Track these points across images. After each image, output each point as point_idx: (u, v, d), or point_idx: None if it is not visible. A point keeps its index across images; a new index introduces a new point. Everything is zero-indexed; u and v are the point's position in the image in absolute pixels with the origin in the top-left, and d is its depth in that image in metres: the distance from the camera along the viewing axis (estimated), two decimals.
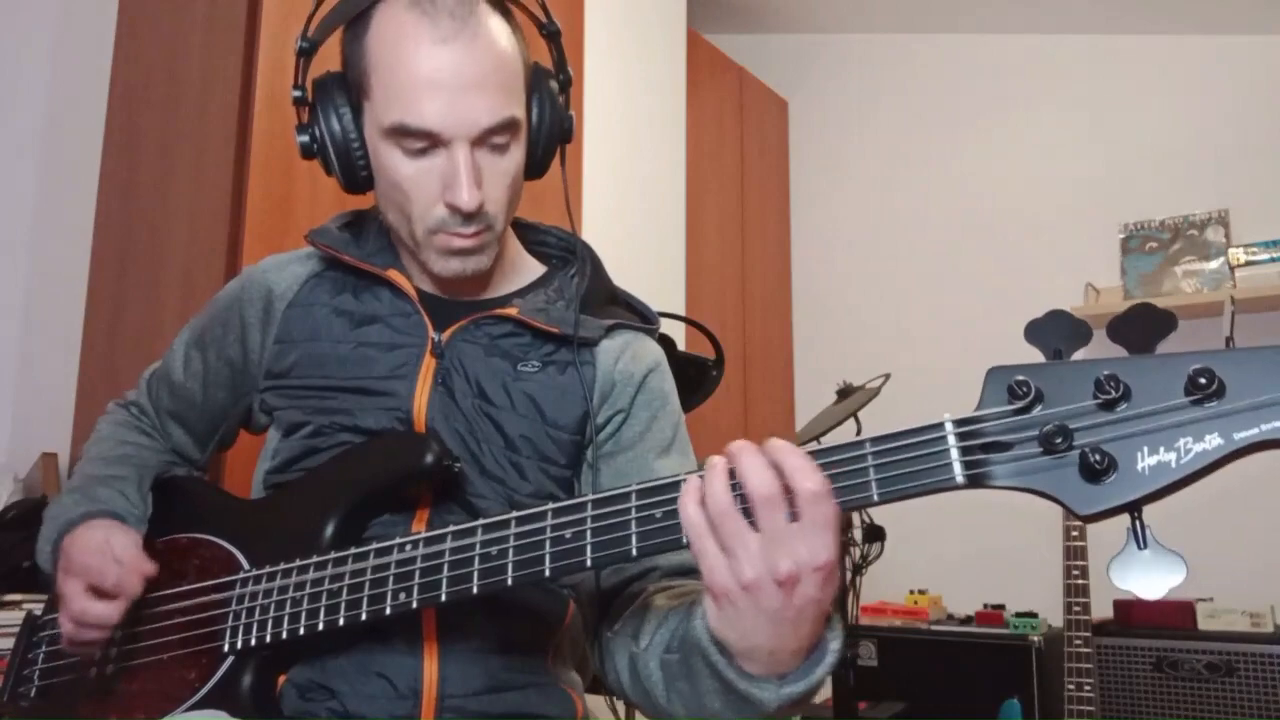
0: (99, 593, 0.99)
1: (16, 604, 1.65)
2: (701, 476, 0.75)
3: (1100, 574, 2.30)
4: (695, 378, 1.23)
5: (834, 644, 0.78)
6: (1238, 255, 2.91)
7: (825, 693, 2.39)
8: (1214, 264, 2.98)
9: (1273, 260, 2.86)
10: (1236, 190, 3.03)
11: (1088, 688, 2.19)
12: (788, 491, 0.71)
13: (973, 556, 3.04)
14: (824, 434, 2.50)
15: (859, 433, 2.53)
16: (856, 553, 2.23)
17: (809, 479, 0.70)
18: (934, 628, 2.76)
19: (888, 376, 2.50)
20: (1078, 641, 2.20)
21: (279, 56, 1.88)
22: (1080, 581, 2.23)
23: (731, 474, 0.73)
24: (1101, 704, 2.38)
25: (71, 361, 2.11)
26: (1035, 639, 2.55)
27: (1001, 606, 2.77)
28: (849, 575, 2.19)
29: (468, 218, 0.97)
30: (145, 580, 1.00)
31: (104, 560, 0.98)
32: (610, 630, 0.98)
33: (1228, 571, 2.46)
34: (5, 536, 1.79)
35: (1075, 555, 2.24)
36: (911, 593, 2.93)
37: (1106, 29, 3.30)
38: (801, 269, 3.82)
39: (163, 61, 2.08)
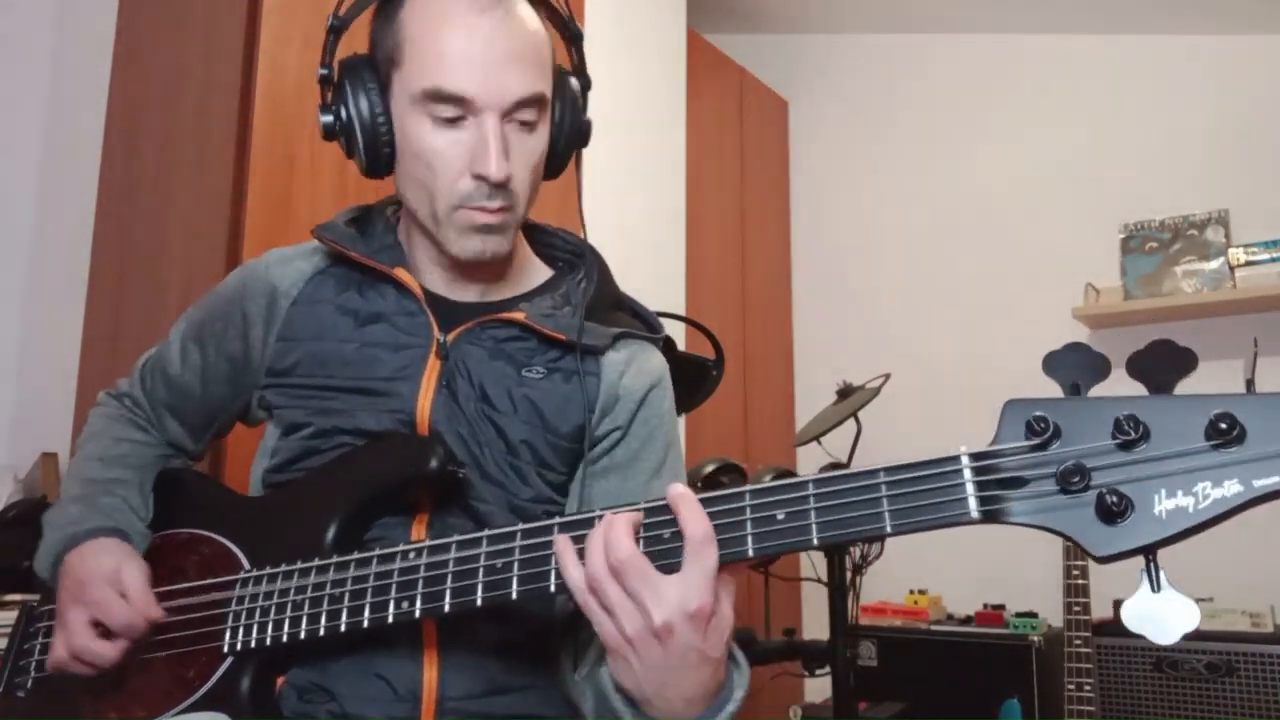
0: (103, 629, 0.97)
1: (16, 604, 1.65)
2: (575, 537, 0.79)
3: (1100, 574, 2.29)
4: (695, 378, 1.23)
5: (738, 692, 0.81)
6: (1238, 255, 2.91)
7: (825, 693, 2.39)
8: (1214, 264, 2.98)
9: (1273, 260, 2.86)
10: (1236, 190, 3.02)
11: (1088, 688, 2.19)
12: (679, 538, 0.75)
13: (973, 556, 3.03)
14: (824, 434, 2.50)
15: (859, 433, 2.53)
16: (856, 553, 2.23)
17: (695, 526, 0.75)
18: (934, 628, 2.76)
19: (888, 376, 2.50)
20: (1078, 641, 2.20)
21: (279, 56, 1.88)
22: (1080, 581, 2.23)
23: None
24: (1101, 704, 2.38)
25: (71, 361, 2.11)
26: (1035, 639, 2.55)
27: (1001, 606, 2.77)
28: (849, 575, 2.19)
29: (494, 190, 0.97)
30: (154, 624, 0.98)
31: (113, 596, 0.97)
32: (565, 650, 1.00)
33: (1228, 571, 2.46)
34: (5, 536, 1.79)
35: (1075, 555, 2.24)
36: (911, 593, 2.92)
37: (1107, 29, 3.30)
38: (801, 269, 3.82)
39: (163, 61, 2.08)
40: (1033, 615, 2.64)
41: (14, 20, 2.21)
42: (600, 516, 0.81)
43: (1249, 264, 2.89)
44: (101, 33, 2.22)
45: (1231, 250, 2.93)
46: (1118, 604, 2.79)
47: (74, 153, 2.21)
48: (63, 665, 0.99)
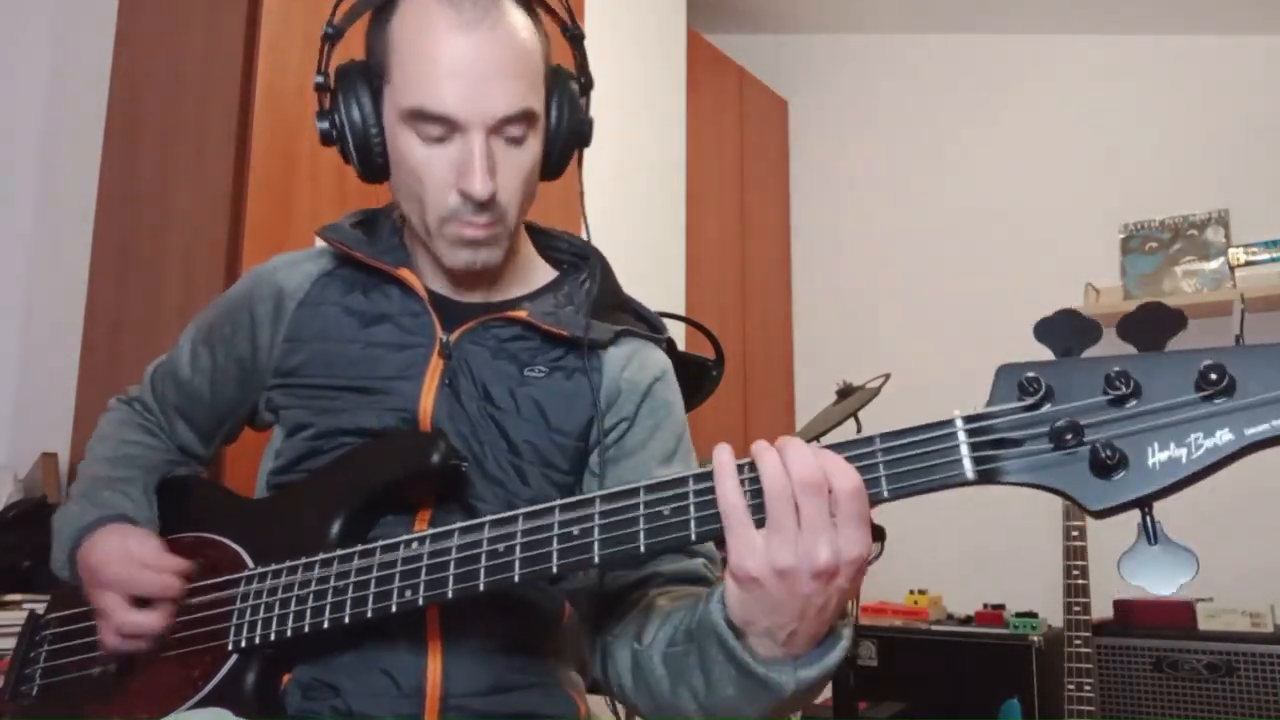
0: (138, 601, 0.97)
1: (16, 604, 1.65)
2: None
3: (1100, 574, 2.30)
4: (695, 378, 1.23)
5: (845, 630, 0.78)
6: (1238, 255, 2.91)
7: (825, 693, 2.39)
8: (1214, 264, 2.98)
9: (1273, 260, 2.86)
10: (1236, 190, 3.03)
11: (1088, 688, 2.19)
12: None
13: (973, 556, 3.04)
14: (824, 434, 2.50)
15: (859, 433, 2.53)
16: None
17: (847, 477, 0.71)
18: (934, 628, 2.76)
19: (888, 376, 2.51)
20: (1078, 641, 2.20)
21: (279, 57, 1.88)
22: (1080, 581, 2.23)
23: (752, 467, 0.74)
24: (1101, 704, 2.38)
25: (71, 361, 2.11)
26: (1035, 639, 2.55)
27: (1001, 606, 2.77)
28: None
29: (480, 207, 0.97)
30: (184, 576, 0.99)
31: (133, 568, 0.97)
32: (610, 635, 0.97)
33: (1228, 571, 2.46)
34: (5, 536, 1.79)
35: (1075, 555, 2.24)
36: (911, 593, 2.93)
37: (1107, 29, 3.30)
38: (801, 269, 3.82)
39: (163, 61, 2.08)
40: (1033, 615, 2.64)
41: (14, 21, 2.22)
42: (600, 497, 0.81)
43: (1249, 264, 2.89)
44: (101, 32, 2.22)
45: (1231, 250, 2.94)
46: (1118, 604, 2.80)
47: (74, 153, 2.21)
48: (116, 648, 0.99)
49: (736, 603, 0.76)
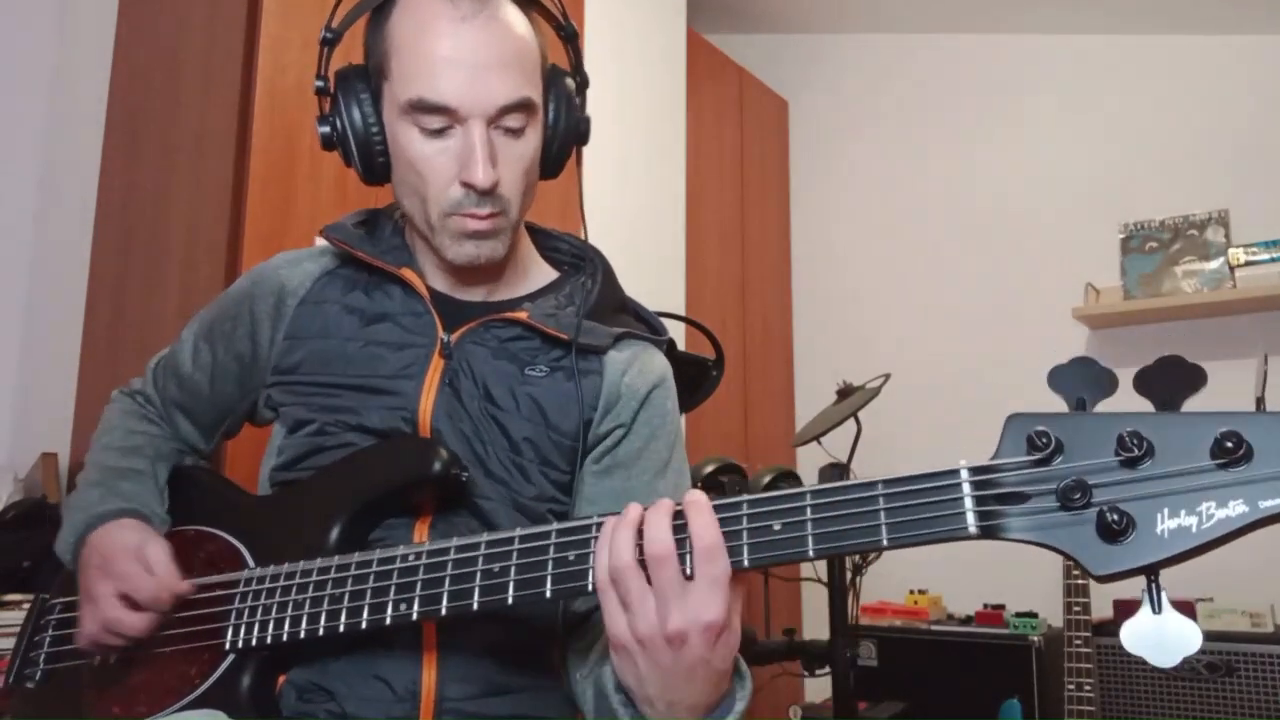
0: (130, 602, 0.98)
1: (16, 604, 1.65)
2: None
3: None
4: (695, 378, 1.23)
5: (739, 704, 0.80)
6: (1238, 255, 2.91)
7: (825, 693, 2.39)
8: (1214, 264, 2.98)
9: (1273, 260, 2.86)
10: (1236, 190, 3.02)
11: (1088, 688, 2.19)
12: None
13: (973, 556, 3.03)
14: (824, 434, 2.50)
15: (859, 433, 2.53)
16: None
17: (698, 538, 0.73)
18: (934, 628, 2.76)
19: (888, 376, 2.50)
20: (1078, 641, 2.20)
21: (279, 57, 1.88)
22: (1080, 581, 2.23)
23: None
24: (1101, 704, 2.38)
25: (71, 361, 2.11)
26: (1035, 639, 2.55)
27: (1001, 606, 2.77)
28: (849, 575, 2.19)
29: (483, 197, 0.98)
30: (177, 597, 0.99)
31: (140, 570, 0.98)
32: (571, 651, 1.00)
33: (1228, 571, 2.45)
34: (5, 536, 1.79)
35: None
36: (911, 593, 2.92)
37: (1107, 29, 3.30)
38: (801, 269, 3.82)
39: (163, 61, 2.08)
40: (1033, 615, 2.64)
41: (15, 21, 2.22)
42: (599, 524, 0.80)
43: (1249, 264, 2.89)
44: (102, 33, 2.22)
45: (1231, 250, 2.94)
46: (1118, 604, 2.80)
47: (74, 153, 2.21)
48: (93, 638, 0.99)
49: (615, 665, 0.79)
